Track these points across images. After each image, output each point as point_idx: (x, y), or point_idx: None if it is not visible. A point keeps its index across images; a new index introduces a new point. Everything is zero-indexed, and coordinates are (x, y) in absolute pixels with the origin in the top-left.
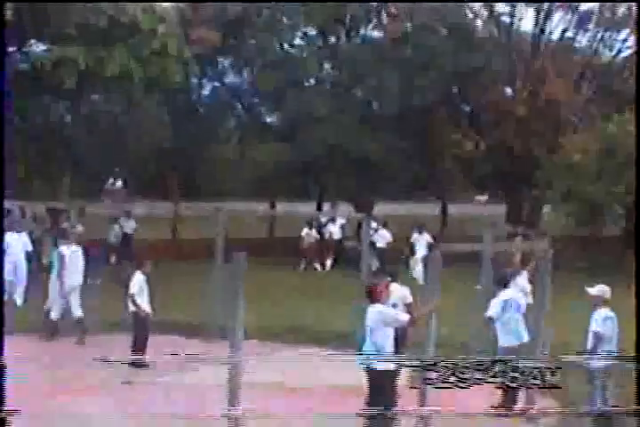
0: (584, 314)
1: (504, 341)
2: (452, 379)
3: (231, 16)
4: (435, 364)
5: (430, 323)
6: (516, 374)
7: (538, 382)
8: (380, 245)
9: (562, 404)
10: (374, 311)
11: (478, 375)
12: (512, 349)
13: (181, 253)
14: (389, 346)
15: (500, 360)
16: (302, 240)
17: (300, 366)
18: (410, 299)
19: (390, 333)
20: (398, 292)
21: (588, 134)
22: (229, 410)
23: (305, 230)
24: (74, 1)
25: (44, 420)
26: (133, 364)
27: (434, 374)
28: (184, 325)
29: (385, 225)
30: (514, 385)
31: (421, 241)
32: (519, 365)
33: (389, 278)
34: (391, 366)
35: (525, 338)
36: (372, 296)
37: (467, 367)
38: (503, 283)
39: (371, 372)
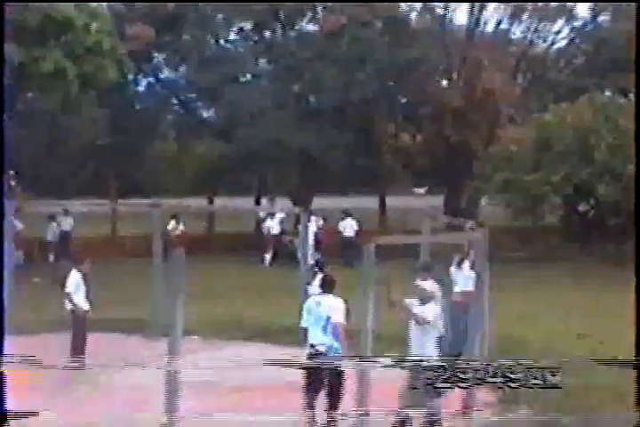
0: (522, 303)
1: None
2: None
3: (166, 12)
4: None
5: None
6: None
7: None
8: (347, 234)
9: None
10: (330, 300)
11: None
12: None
13: (120, 251)
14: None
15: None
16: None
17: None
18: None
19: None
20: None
21: (524, 125)
22: (168, 409)
23: (268, 222)
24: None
25: None
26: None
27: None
28: (124, 322)
29: (350, 214)
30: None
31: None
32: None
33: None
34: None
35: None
36: (330, 286)
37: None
38: (427, 270)
39: (332, 370)
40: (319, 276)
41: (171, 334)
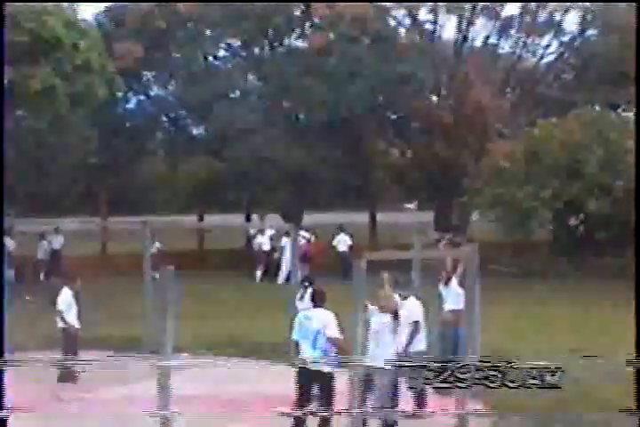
0: (512, 318)
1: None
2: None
3: (155, 29)
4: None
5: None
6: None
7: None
8: (342, 249)
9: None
10: (321, 314)
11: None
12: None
13: (111, 268)
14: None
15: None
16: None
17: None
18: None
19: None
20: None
21: (513, 140)
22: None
23: (258, 238)
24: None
25: None
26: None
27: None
28: (115, 340)
29: (343, 229)
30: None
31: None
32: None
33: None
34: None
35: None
36: (319, 300)
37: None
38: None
39: (323, 375)
40: (309, 290)
41: (161, 351)
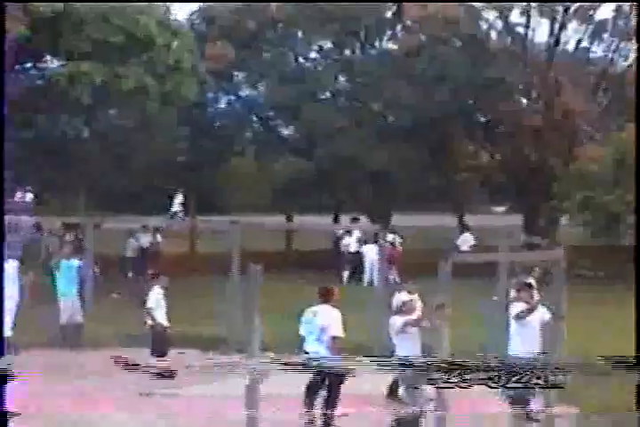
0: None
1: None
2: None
3: (246, 30)
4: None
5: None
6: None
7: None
8: (464, 248)
9: None
10: (326, 311)
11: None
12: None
13: (199, 267)
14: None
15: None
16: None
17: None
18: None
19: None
20: None
21: (603, 144)
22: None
23: (346, 240)
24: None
25: None
26: (158, 374)
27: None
28: (201, 338)
29: (468, 228)
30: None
31: (465, 241)
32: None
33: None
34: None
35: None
36: (326, 296)
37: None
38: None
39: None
40: (397, 294)
41: (247, 350)
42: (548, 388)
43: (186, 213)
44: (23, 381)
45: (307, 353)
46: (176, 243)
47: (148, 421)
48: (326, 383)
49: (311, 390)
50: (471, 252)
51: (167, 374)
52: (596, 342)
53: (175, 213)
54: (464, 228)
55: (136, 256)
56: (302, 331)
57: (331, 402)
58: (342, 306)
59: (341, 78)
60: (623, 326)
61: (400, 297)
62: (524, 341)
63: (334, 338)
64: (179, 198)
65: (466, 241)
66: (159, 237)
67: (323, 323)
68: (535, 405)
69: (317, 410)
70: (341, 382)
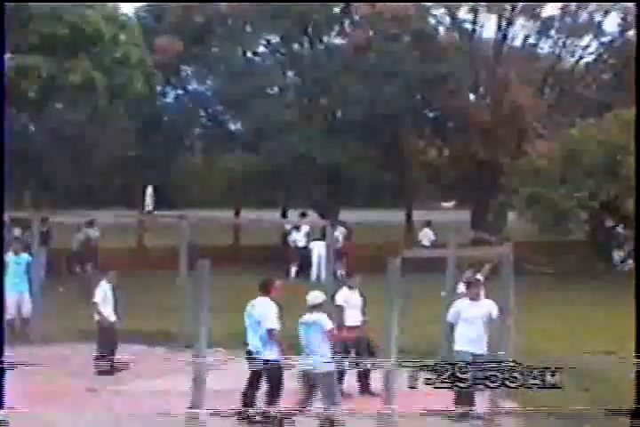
0: (549, 318)
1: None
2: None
3: (194, 24)
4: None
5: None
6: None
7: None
8: (424, 243)
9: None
10: (262, 304)
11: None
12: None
13: (147, 262)
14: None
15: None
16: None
17: None
18: None
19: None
20: None
21: (551, 140)
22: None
23: (294, 235)
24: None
25: None
26: (99, 371)
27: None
28: (148, 334)
29: (429, 224)
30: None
31: (426, 236)
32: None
33: None
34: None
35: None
36: (264, 288)
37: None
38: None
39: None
40: (343, 289)
41: (195, 346)
42: (546, 388)
43: (156, 208)
44: None
45: (247, 345)
46: (125, 238)
47: (92, 418)
48: (265, 378)
49: (251, 386)
50: (432, 247)
51: (108, 371)
52: (548, 339)
53: (151, 209)
54: (426, 223)
55: (81, 250)
56: (245, 324)
57: (271, 396)
58: (285, 301)
59: (290, 73)
60: (574, 324)
61: (343, 293)
62: (469, 337)
63: (270, 331)
64: (149, 193)
65: (426, 236)
66: (97, 232)
67: (259, 315)
68: (480, 403)
69: (257, 404)
70: (280, 376)
